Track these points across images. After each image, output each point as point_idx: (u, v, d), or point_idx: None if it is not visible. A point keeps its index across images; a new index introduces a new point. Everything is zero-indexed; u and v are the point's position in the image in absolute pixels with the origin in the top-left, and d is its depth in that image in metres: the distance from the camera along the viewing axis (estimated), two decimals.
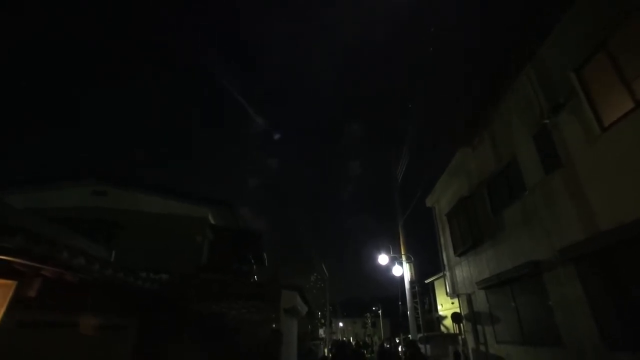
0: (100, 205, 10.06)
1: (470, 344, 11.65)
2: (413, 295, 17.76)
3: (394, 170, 16.46)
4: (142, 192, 10.85)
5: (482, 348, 10.80)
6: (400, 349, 25.70)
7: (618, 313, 5.92)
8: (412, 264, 16.88)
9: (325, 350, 22.54)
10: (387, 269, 19.65)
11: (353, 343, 23.20)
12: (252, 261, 12.24)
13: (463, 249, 11.64)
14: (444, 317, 24.70)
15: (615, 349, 5.86)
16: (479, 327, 11.07)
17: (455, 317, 12.57)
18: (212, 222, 11.35)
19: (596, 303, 6.33)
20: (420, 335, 18.34)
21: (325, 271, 27.47)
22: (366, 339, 42.92)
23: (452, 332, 17.43)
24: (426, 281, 28.63)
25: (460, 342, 12.45)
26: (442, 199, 13.96)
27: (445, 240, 13.56)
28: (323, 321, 32.16)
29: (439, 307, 27.18)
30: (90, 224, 8.49)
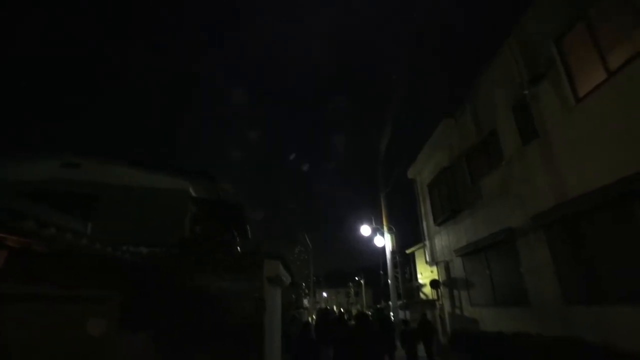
0: (73, 178, 9.71)
1: (447, 308, 12.21)
2: (394, 265, 18.35)
3: (377, 142, 16.55)
4: (119, 165, 10.51)
5: (457, 311, 11.35)
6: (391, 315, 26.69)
7: (578, 273, 6.38)
8: (393, 235, 17.34)
9: (310, 318, 23.28)
10: (370, 239, 20.14)
11: (336, 311, 23.98)
12: (235, 233, 12.28)
13: (442, 219, 11.98)
14: (424, 285, 25.64)
15: (572, 304, 6.45)
16: (455, 292, 11.58)
17: (434, 283, 13.08)
18: (194, 194, 11.22)
19: (561, 265, 6.78)
20: (400, 302, 19.11)
21: (309, 243, 27.92)
22: (349, 307, 44.33)
23: (431, 298, 18.16)
24: (407, 251, 29.42)
25: (438, 307, 13.01)
26: (423, 171, 14.19)
27: (426, 211, 13.90)
28: (307, 291, 32.99)
29: (419, 276, 28.15)
30: (62, 197, 8.26)
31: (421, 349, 10.06)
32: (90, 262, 5.02)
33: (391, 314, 17.32)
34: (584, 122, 6.06)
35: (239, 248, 10.42)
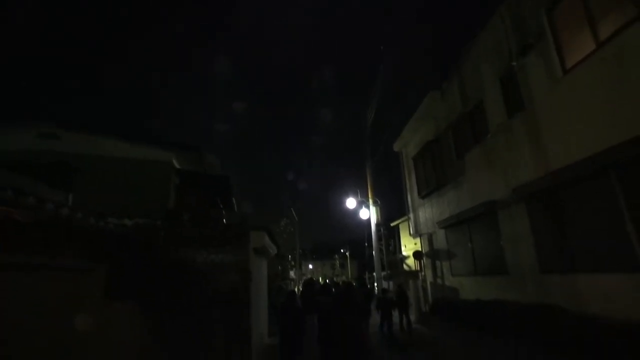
0: (52, 149, 9.41)
1: (429, 278, 12.57)
2: (379, 237, 18.63)
3: (364, 115, 16.41)
4: (100, 136, 10.20)
5: (439, 281, 11.70)
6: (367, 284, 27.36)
7: (555, 244, 6.59)
8: (378, 208, 17.51)
9: (296, 289, 23.76)
10: (355, 212, 20.34)
11: (321, 282, 24.48)
12: (221, 206, 12.21)
13: (427, 191, 12.12)
14: (407, 257, 26.28)
15: (548, 273, 6.72)
16: (438, 263, 11.89)
17: (417, 254, 13.39)
18: (177, 166, 11.03)
19: (539, 236, 6.99)
20: (384, 273, 19.57)
21: (295, 216, 28.10)
22: (334, 278, 45.29)
23: (414, 269, 18.65)
24: (392, 224, 29.93)
25: (420, 277, 13.36)
26: (409, 144, 14.21)
27: (411, 184, 14.03)
28: (293, 263, 33.49)
29: (403, 248, 28.79)
30: (41, 167, 8.01)
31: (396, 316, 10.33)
32: (73, 233, 4.93)
33: (375, 284, 17.75)
34: (569, 94, 6.07)
35: (224, 220, 10.37)
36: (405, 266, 26.61)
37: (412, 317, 11.99)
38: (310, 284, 13.19)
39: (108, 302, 5.97)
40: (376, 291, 18.19)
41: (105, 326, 5.83)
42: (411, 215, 14.29)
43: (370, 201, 17.31)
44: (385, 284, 18.14)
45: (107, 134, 10.29)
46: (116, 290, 6.16)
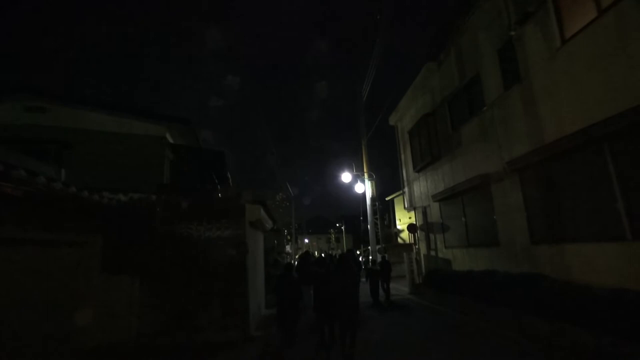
0: (40, 123, 9.21)
1: (423, 250, 12.81)
2: (374, 212, 18.81)
3: (360, 89, 16.20)
4: (90, 109, 9.97)
5: (432, 253, 11.93)
6: (361, 259, 27.95)
7: (545, 215, 6.70)
8: (373, 182, 17.59)
9: (292, 262, 24.19)
10: (351, 187, 20.45)
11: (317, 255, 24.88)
12: (216, 181, 12.18)
13: (422, 165, 12.16)
14: (402, 231, 26.64)
15: (537, 244, 6.90)
16: (431, 236, 12.09)
17: (411, 227, 13.56)
18: (171, 141, 10.89)
19: (531, 208, 7.10)
20: (379, 246, 19.89)
21: (290, 190, 28.18)
22: (329, 252, 46.02)
23: (408, 242, 18.97)
24: (387, 198, 30.17)
25: (414, 250, 13.59)
26: (405, 117, 14.12)
27: (406, 157, 14.04)
28: (289, 237, 33.86)
29: (397, 222, 29.14)
30: (32, 142, 7.90)
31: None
32: (67, 206, 4.93)
33: (370, 257, 18.04)
34: (566, 65, 5.99)
35: (220, 194, 10.37)
36: (399, 239, 27.02)
37: (407, 289, 12.35)
38: (306, 257, 13.47)
39: (106, 275, 6.08)
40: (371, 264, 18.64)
41: (104, 297, 5.97)
42: (406, 189, 14.39)
43: (366, 175, 17.36)
44: (380, 257, 18.50)
45: (95, 107, 10.04)
46: (113, 263, 6.25)
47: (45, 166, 6.38)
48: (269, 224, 10.59)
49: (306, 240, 55.58)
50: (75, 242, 5.56)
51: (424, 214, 12.51)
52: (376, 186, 18.20)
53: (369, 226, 18.57)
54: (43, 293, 4.74)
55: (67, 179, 6.20)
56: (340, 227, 52.17)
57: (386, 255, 15.23)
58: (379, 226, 21.07)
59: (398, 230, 28.49)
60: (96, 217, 5.83)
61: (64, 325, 5.01)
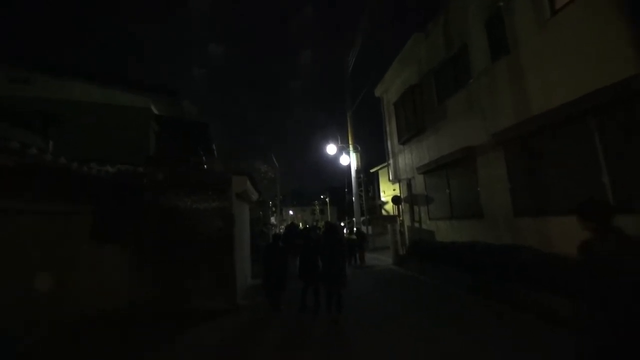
0: (25, 95, 8.98)
1: (407, 222, 13.06)
2: (359, 183, 18.99)
3: (345, 59, 15.91)
4: (74, 79, 9.72)
5: (416, 225, 12.19)
6: (345, 231, 28.43)
7: (529, 188, 6.85)
8: (358, 154, 17.65)
9: (279, 230, 24.55)
10: (336, 159, 20.47)
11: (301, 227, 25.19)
12: (202, 152, 12.02)
13: (407, 137, 12.19)
14: (386, 203, 27.08)
15: (521, 216, 7.05)
16: (416, 208, 12.31)
17: (395, 199, 13.76)
18: (156, 112, 10.64)
19: (515, 181, 7.23)
20: (363, 218, 20.22)
21: (275, 162, 28.04)
22: (314, 223, 46.57)
23: (392, 214, 19.31)
24: (371, 170, 30.41)
25: (398, 222, 13.87)
26: (391, 88, 14.00)
27: (391, 129, 14.04)
28: (274, 209, 34.01)
29: (382, 194, 29.54)
30: (19, 114, 7.71)
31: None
32: (58, 177, 4.91)
33: (354, 228, 18.38)
34: (555, 37, 5.95)
35: (205, 166, 10.26)
36: (384, 211, 27.48)
37: (390, 260, 12.70)
38: (291, 227, 13.65)
39: (95, 244, 6.13)
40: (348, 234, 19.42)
41: (95, 267, 6.04)
42: (391, 161, 14.47)
43: (351, 147, 17.37)
44: (365, 229, 18.85)
45: (82, 77, 9.83)
46: (102, 232, 6.29)
47: (33, 137, 6.27)
48: (254, 196, 10.59)
49: (291, 212, 56.05)
50: (65, 212, 5.58)
51: (409, 186, 12.68)
52: (361, 158, 18.28)
53: (353, 198, 18.79)
54: (35, 262, 4.85)
55: (54, 151, 6.10)
56: (324, 199, 52.59)
57: (361, 227, 17.23)
58: (363, 198, 21.35)
59: (382, 202, 28.93)
60: (86, 188, 5.82)
61: (55, 293, 5.07)
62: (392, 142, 14.16)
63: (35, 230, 4.92)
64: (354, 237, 15.03)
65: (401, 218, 13.74)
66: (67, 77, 9.76)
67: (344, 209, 43.64)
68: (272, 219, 33.19)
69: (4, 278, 4.22)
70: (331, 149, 18.73)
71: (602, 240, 2.10)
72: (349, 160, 17.95)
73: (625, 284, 1.89)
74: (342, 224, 35.34)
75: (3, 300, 4.18)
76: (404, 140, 12.61)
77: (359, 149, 17.35)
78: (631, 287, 1.87)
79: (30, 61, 9.87)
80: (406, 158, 12.81)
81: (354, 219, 19.56)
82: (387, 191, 26.37)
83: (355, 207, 18.22)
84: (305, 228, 20.44)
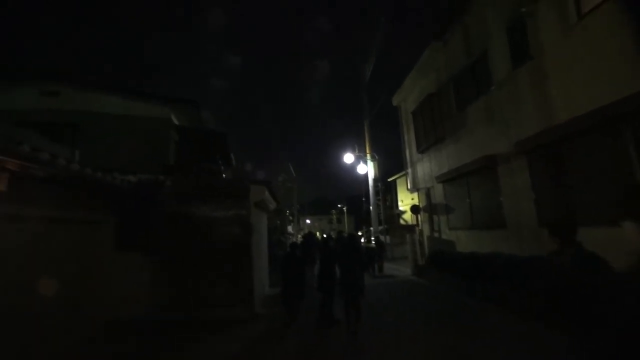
0: (54, 107, 9.43)
1: (426, 232, 12.83)
2: (376, 192, 18.83)
3: (363, 68, 15.93)
4: (100, 92, 10.19)
5: (435, 235, 11.96)
6: (362, 240, 28.20)
7: (554, 198, 6.61)
8: (376, 163, 17.52)
9: (296, 239, 24.55)
10: (353, 168, 20.38)
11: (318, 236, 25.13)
12: (220, 161, 12.19)
13: (426, 146, 12.04)
14: (404, 212, 26.69)
15: (545, 226, 6.68)
16: (435, 217, 12.08)
17: (414, 208, 13.56)
18: (176, 122, 10.92)
19: (539, 190, 6.99)
20: (381, 227, 20.00)
21: (292, 171, 28.17)
22: (331, 233, 46.42)
23: (411, 223, 19.03)
24: (389, 179, 30.11)
25: (417, 231, 13.65)
26: (409, 97, 13.91)
27: (409, 138, 13.91)
28: (291, 218, 34.07)
29: (400, 203, 29.16)
30: (48, 125, 8.07)
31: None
32: (84, 187, 5.08)
33: (372, 238, 18.19)
34: (583, 42, 5.76)
35: (224, 175, 10.39)
36: (402, 221, 27.11)
37: (409, 270, 12.48)
38: (309, 237, 13.62)
39: (118, 253, 6.29)
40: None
41: (116, 275, 6.17)
42: (409, 170, 14.31)
43: (368, 156, 17.27)
44: (383, 238, 18.64)
45: (107, 91, 10.29)
46: (124, 241, 6.44)
47: (61, 148, 6.50)
48: (272, 205, 10.62)
49: (308, 221, 56.01)
50: (89, 221, 5.74)
51: (428, 195, 12.48)
52: (379, 167, 18.15)
53: (371, 207, 18.62)
54: (60, 269, 4.95)
55: (80, 160, 6.30)
56: (342, 207, 52.39)
57: (380, 236, 16.97)
58: (381, 207, 21.15)
59: (401, 211, 28.54)
60: (109, 198, 5.97)
61: (78, 300, 5.19)
62: (410, 150, 14.02)
63: (61, 238, 5.05)
64: (373, 245, 15.18)
65: (420, 228, 13.51)
66: (95, 89, 10.19)
67: (362, 218, 43.31)
68: (290, 228, 33.25)
69: (31, 283, 4.31)
70: (348, 157, 18.65)
71: (560, 254, 2.46)
72: (367, 169, 17.84)
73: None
74: (360, 233, 35.07)
75: (29, 305, 4.26)
76: (422, 149, 12.46)
77: (377, 157, 17.24)
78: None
79: (61, 75, 10.35)
80: (425, 167, 12.64)
81: (371, 228, 19.37)
82: (406, 200, 26.04)
83: (373, 216, 18.04)
84: (323, 238, 20.40)
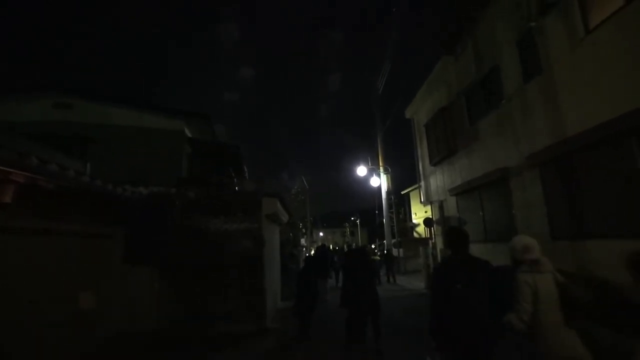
0: (67, 119, 9.56)
1: (439, 245, 12.69)
2: (389, 205, 18.76)
3: (375, 81, 16.08)
4: (113, 105, 10.31)
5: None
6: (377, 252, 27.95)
7: (566, 211, 6.54)
8: (389, 175, 17.52)
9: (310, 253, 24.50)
10: (366, 181, 20.40)
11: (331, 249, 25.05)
12: (233, 174, 12.37)
13: (438, 159, 12.02)
14: (417, 225, 26.48)
15: (557, 239, 6.73)
16: None
17: (427, 221, 13.46)
18: (189, 135, 11.14)
19: (552, 203, 6.92)
20: (394, 240, 19.85)
21: (305, 184, 28.29)
22: (344, 246, 46.14)
23: (424, 236, 18.84)
24: (402, 192, 29.98)
25: (430, 245, 13.51)
26: (421, 110, 13.95)
27: (422, 151, 13.90)
28: (304, 231, 34.06)
29: (413, 216, 28.95)
30: (59, 138, 8.25)
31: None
32: (94, 199, 5.12)
33: (385, 251, 18.08)
34: (591, 56, 5.79)
35: (236, 187, 10.53)
36: (415, 234, 26.87)
37: (422, 284, 12.32)
38: (323, 247, 13.65)
39: (127, 266, 6.29)
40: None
41: (125, 288, 6.16)
42: (422, 183, 14.25)
43: (381, 169, 17.29)
44: (396, 252, 18.49)
45: (120, 103, 10.41)
46: (134, 255, 6.44)
47: (72, 160, 6.64)
48: (285, 217, 10.70)
49: (321, 234, 55.84)
50: (99, 234, 5.77)
51: (441, 208, 12.40)
52: (392, 180, 18.13)
53: (384, 220, 18.55)
54: (68, 282, 4.96)
55: (91, 173, 6.44)
56: (355, 220, 52.15)
57: (392, 249, 17.68)
58: (394, 220, 21.03)
59: (414, 224, 28.32)
60: (119, 210, 6.02)
61: (87, 313, 5.21)
62: (423, 163, 14.00)
63: (71, 252, 5.01)
64: (377, 257, 15.59)
65: (433, 241, 13.38)
66: (108, 102, 10.33)
67: (375, 231, 43.02)
68: (302, 241, 33.21)
69: (40, 297, 4.30)
70: (361, 170, 18.71)
71: (449, 259, 3.22)
72: (380, 182, 17.83)
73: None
74: (373, 246, 34.81)
75: (36, 318, 4.24)
76: (435, 162, 12.44)
77: (389, 170, 17.24)
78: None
79: (74, 88, 10.58)
80: (438, 180, 12.59)
81: (384, 241, 19.24)
82: (419, 213, 25.84)
83: (386, 229, 17.97)
84: (334, 249, 20.31)
